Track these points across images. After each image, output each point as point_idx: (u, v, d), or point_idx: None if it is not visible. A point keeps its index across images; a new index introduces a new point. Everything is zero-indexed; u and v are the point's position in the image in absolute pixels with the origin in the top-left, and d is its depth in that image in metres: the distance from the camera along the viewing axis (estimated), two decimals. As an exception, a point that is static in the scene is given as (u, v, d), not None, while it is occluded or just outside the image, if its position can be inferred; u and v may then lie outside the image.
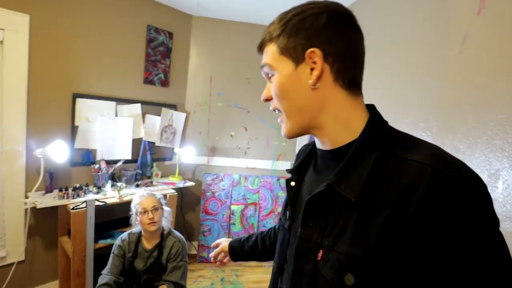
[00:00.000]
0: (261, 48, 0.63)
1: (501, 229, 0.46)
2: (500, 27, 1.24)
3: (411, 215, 0.44)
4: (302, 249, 0.58)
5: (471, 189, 0.44)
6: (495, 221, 0.45)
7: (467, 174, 0.46)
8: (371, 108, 0.61)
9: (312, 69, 0.55)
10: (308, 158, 0.71)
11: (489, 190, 0.47)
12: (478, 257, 0.43)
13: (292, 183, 0.70)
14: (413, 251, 0.44)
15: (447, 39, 1.49)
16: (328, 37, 0.55)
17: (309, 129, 0.61)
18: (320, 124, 0.59)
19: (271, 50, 0.59)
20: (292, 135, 0.63)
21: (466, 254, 0.43)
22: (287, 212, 0.69)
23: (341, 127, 0.58)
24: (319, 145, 0.64)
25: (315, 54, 0.54)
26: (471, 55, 1.37)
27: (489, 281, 0.42)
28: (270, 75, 0.61)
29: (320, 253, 0.54)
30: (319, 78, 0.55)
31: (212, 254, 1.15)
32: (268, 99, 0.64)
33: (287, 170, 0.76)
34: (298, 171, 0.71)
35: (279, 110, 0.62)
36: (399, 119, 1.79)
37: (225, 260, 1.14)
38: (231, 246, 1.10)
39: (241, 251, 1.08)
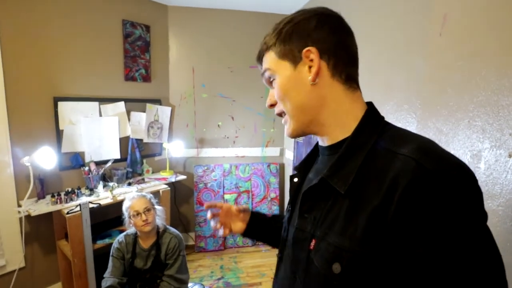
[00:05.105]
0: (259, 58, 0.66)
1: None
2: (479, 8, 1.24)
3: (394, 210, 0.45)
4: (298, 238, 0.62)
5: (452, 182, 0.44)
6: (480, 215, 0.45)
7: (449, 167, 0.45)
8: (368, 105, 0.63)
9: (310, 67, 0.58)
10: (312, 156, 0.74)
11: (472, 170, 0.46)
12: (458, 253, 0.42)
13: (295, 180, 0.74)
14: (396, 245, 0.45)
15: (428, 20, 1.49)
16: (321, 36, 0.58)
17: (311, 127, 0.63)
18: (321, 122, 0.61)
19: (270, 57, 0.63)
20: (296, 135, 0.66)
21: (445, 250, 0.42)
22: (288, 206, 0.74)
23: (340, 123, 0.60)
24: (320, 142, 0.67)
25: (311, 52, 0.57)
26: (451, 37, 1.37)
27: (473, 278, 0.42)
28: (271, 80, 0.64)
29: (313, 243, 0.57)
30: (317, 74, 0.58)
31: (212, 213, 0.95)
32: (273, 105, 0.66)
33: (294, 168, 0.79)
34: (302, 169, 0.74)
35: (284, 114, 0.65)
36: (384, 101, 1.81)
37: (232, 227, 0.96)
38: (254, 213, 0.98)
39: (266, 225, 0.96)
